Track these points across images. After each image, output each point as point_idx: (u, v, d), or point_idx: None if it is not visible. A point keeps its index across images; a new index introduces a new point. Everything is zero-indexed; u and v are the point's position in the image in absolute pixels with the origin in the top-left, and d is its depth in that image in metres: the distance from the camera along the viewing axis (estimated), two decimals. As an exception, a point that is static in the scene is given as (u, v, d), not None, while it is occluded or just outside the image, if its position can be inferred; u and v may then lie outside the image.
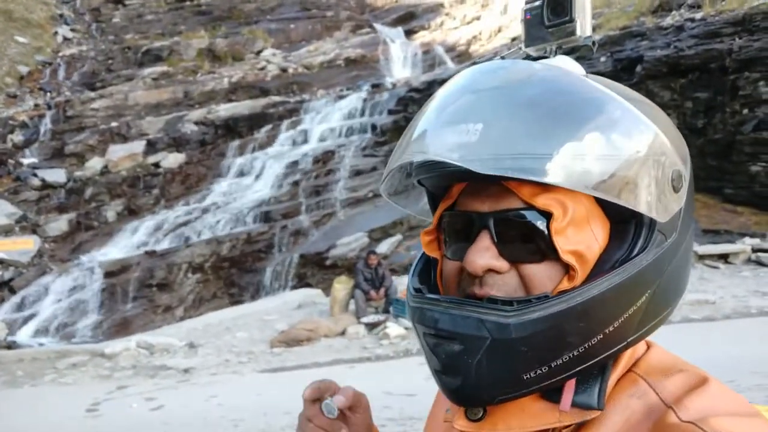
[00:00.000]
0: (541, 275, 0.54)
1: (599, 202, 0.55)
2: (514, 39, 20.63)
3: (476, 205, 0.57)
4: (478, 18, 27.58)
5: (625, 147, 0.51)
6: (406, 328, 7.59)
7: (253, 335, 8.27)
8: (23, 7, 24.93)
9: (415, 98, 17.42)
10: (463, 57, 24.85)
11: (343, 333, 7.89)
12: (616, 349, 0.54)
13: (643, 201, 0.52)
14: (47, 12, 25.89)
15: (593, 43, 0.62)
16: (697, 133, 11.95)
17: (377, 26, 27.78)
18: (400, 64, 24.40)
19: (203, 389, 6.06)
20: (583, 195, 0.53)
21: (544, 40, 0.63)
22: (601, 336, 0.52)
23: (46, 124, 19.62)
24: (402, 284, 8.71)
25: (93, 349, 8.16)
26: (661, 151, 0.54)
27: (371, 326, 7.88)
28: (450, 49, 26.26)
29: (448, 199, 0.62)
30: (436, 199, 0.66)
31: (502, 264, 0.54)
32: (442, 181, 0.63)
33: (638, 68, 12.76)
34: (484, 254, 0.54)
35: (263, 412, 5.05)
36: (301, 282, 12.96)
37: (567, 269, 0.54)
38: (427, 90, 17.35)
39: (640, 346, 0.59)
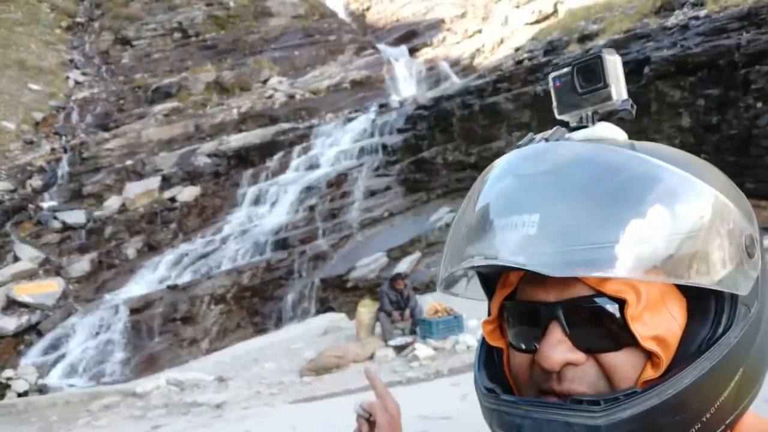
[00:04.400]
0: (623, 364, 0.51)
1: None
2: (517, 49, 20.63)
3: (540, 295, 0.54)
4: (479, 31, 27.77)
5: (689, 221, 0.48)
6: (435, 349, 7.53)
7: (282, 365, 8.25)
8: (35, 55, 25.59)
9: (423, 115, 17.43)
10: (467, 71, 24.99)
11: (371, 357, 7.84)
12: None
13: (722, 278, 0.49)
14: (58, 58, 26.53)
15: (632, 105, 0.59)
16: (711, 130, 11.84)
17: (380, 47, 28.07)
18: (406, 83, 24.59)
19: (237, 424, 6.04)
20: None
21: (578, 106, 0.60)
22: (699, 425, 0.49)
23: (63, 167, 20.01)
24: (426, 303, 8.66)
25: (124, 389, 8.20)
26: (726, 217, 0.50)
27: (399, 349, 7.83)
28: (454, 64, 26.43)
29: (507, 286, 0.59)
30: (489, 283, 0.64)
31: (579, 356, 0.51)
32: (498, 269, 0.59)
33: (646, 70, 12.71)
34: (558, 348, 0.51)
35: (300, 444, 5.02)
36: (324, 306, 12.95)
37: (649, 355, 0.51)
38: (435, 107, 17.37)
39: None
